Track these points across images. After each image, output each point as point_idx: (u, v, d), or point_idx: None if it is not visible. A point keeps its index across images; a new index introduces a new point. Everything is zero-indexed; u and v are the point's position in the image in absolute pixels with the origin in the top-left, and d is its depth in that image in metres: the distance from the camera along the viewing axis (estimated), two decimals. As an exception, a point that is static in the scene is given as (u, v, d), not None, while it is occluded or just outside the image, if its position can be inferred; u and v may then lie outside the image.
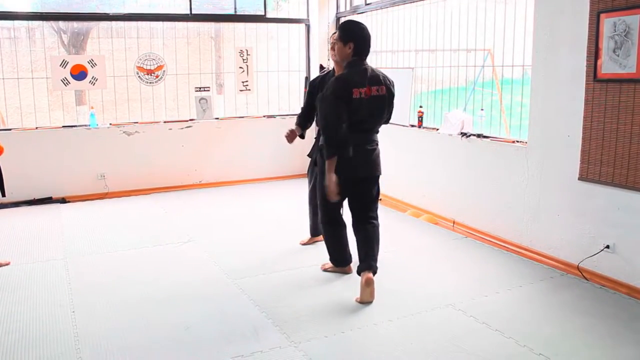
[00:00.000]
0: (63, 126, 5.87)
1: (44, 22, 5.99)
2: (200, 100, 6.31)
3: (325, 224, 3.57)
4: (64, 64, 5.63)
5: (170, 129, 6.17)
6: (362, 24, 3.33)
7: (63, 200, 5.70)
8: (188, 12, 6.18)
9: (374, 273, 3.25)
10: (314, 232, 4.20)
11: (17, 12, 5.63)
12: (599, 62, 3.34)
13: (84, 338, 2.81)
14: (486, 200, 4.38)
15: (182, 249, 4.20)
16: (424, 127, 5.19)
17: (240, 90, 6.53)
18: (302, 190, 5.01)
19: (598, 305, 3.13)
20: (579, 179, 3.56)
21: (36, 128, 5.73)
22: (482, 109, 4.60)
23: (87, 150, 5.81)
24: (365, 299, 3.19)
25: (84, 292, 3.38)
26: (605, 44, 3.28)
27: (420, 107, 5.25)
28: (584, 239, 3.57)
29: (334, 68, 3.70)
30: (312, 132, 4.34)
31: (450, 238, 4.42)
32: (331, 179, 3.17)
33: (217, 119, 6.46)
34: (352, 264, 3.64)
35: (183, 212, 5.27)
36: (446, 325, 2.91)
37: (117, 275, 3.68)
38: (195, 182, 6.35)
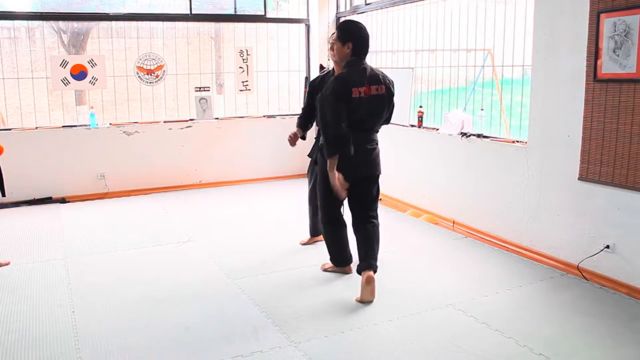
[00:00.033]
0: (63, 126, 5.87)
1: (44, 22, 5.99)
2: (200, 100, 6.31)
3: (325, 223, 3.57)
4: (64, 63, 5.63)
5: (170, 129, 6.17)
6: (360, 24, 3.34)
7: (63, 200, 5.70)
8: (188, 12, 6.18)
9: (375, 272, 3.25)
10: (314, 232, 4.20)
11: (17, 12, 5.63)
12: (599, 62, 3.34)
13: (83, 338, 2.80)
14: (486, 200, 4.38)
15: (182, 249, 4.20)
16: (424, 127, 5.19)
17: (240, 90, 6.53)
18: (302, 190, 5.01)
19: (598, 305, 3.13)
20: (579, 179, 3.56)
21: (36, 128, 5.73)
22: (482, 109, 4.60)
23: (87, 150, 5.81)
24: (366, 298, 3.19)
25: (84, 292, 3.38)
26: (605, 44, 3.28)
27: (420, 107, 5.25)
28: (584, 239, 3.57)
29: (333, 68, 3.70)
30: (312, 132, 4.34)
31: (450, 238, 4.42)
32: (334, 176, 3.17)
33: (217, 119, 6.46)
34: (352, 264, 3.64)
35: (183, 212, 5.27)
36: (446, 325, 2.91)
37: (117, 275, 3.68)
38: (195, 182, 6.35)
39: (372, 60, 5.89)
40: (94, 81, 5.75)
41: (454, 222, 4.74)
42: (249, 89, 6.54)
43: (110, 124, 6.02)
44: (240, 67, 6.44)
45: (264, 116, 6.70)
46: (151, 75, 6.04)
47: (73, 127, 5.86)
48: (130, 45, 6.07)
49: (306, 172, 4.28)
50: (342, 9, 6.55)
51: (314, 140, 4.05)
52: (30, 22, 5.83)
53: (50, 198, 5.69)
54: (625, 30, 3.15)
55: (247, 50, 6.45)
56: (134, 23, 6.09)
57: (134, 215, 5.18)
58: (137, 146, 6.01)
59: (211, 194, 6.03)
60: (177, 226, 4.78)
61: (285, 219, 4.94)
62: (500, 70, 4.70)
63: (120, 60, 6.04)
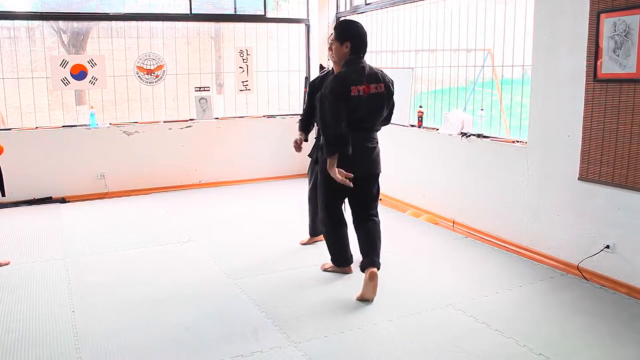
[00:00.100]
0: (63, 126, 5.87)
1: (44, 21, 5.99)
2: (200, 100, 6.31)
3: (326, 223, 3.57)
4: (63, 63, 5.63)
5: (170, 128, 6.17)
6: (358, 23, 3.35)
7: (63, 200, 5.70)
8: (188, 12, 6.17)
9: (378, 269, 3.26)
10: (313, 232, 4.20)
11: (17, 12, 5.63)
12: (599, 62, 3.34)
13: (83, 338, 2.80)
14: (486, 200, 4.38)
15: (182, 249, 4.20)
16: (424, 127, 5.19)
17: (240, 90, 6.52)
18: (302, 190, 5.00)
19: (598, 305, 3.13)
20: (579, 179, 3.56)
21: (36, 128, 5.73)
22: (482, 109, 4.60)
23: (87, 150, 5.81)
24: (367, 295, 3.19)
25: (84, 292, 3.38)
26: (605, 44, 3.28)
27: (420, 107, 5.25)
28: (584, 239, 3.57)
29: (333, 68, 3.70)
30: (312, 132, 4.34)
31: (450, 238, 4.42)
32: (335, 172, 3.16)
33: (217, 118, 6.46)
34: (352, 265, 3.65)
35: (183, 212, 5.26)
36: (446, 325, 2.91)
37: (117, 275, 3.67)
38: (195, 182, 6.35)
39: (372, 60, 5.89)
40: (94, 81, 5.75)
41: (454, 222, 4.74)
42: (249, 89, 6.54)
43: (110, 123, 6.01)
44: (240, 67, 6.44)
45: (264, 116, 6.70)
46: (151, 75, 6.04)
47: (73, 127, 5.86)
48: (130, 45, 6.07)
49: (306, 172, 4.28)
50: (342, 9, 6.55)
51: (314, 140, 4.05)
52: (30, 22, 5.83)
53: (50, 198, 5.69)
54: (625, 30, 3.15)
55: (247, 50, 6.45)
56: (134, 23, 6.09)
57: (134, 215, 5.18)
58: (137, 146, 6.01)
59: (211, 194, 6.03)
60: (177, 226, 4.78)
61: (285, 219, 4.94)
62: (500, 70, 4.70)
63: (120, 60, 6.04)
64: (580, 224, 3.59)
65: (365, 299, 3.20)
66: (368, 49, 3.39)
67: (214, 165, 6.41)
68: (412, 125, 5.31)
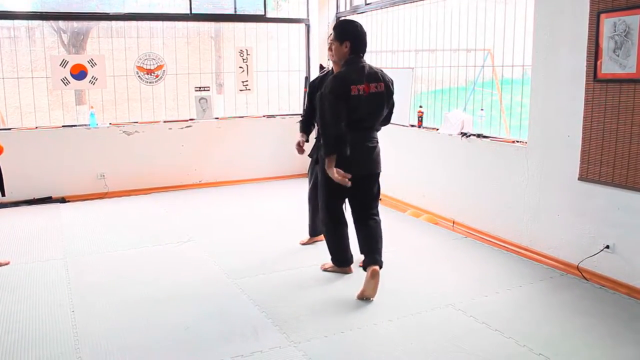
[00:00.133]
0: (63, 126, 5.87)
1: (44, 21, 5.99)
2: (200, 100, 6.31)
3: (327, 223, 3.57)
4: (63, 63, 5.63)
5: (170, 128, 6.17)
6: (357, 22, 3.36)
7: (63, 200, 5.70)
8: (188, 11, 6.17)
9: (380, 267, 3.26)
10: (313, 232, 4.20)
11: (17, 12, 5.63)
12: (599, 62, 3.34)
13: (83, 338, 2.80)
14: (486, 200, 4.38)
15: (182, 248, 4.20)
16: (424, 127, 5.19)
17: (240, 90, 6.52)
18: (302, 190, 5.00)
19: (598, 305, 3.13)
20: (579, 179, 3.56)
21: (36, 128, 5.73)
22: (482, 109, 4.60)
23: (87, 149, 5.81)
24: (368, 292, 3.20)
25: (84, 292, 3.38)
26: (605, 44, 3.28)
27: (420, 107, 5.25)
28: (584, 239, 3.57)
29: (332, 68, 3.70)
30: (313, 132, 4.34)
31: (450, 238, 4.42)
32: (333, 172, 3.16)
33: (217, 118, 6.46)
34: (352, 265, 3.65)
35: (183, 212, 5.26)
36: (446, 325, 2.91)
37: (117, 275, 3.67)
38: (195, 182, 6.35)
39: (372, 60, 5.89)
40: (94, 81, 5.75)
41: (454, 222, 4.74)
42: (249, 89, 6.54)
43: (110, 123, 6.02)
44: (240, 67, 6.44)
45: (264, 116, 6.70)
46: (151, 75, 6.04)
47: (73, 127, 5.86)
48: (130, 45, 6.07)
49: (306, 172, 4.28)
50: (342, 9, 6.55)
51: (315, 140, 4.05)
52: (30, 21, 5.83)
53: (50, 198, 5.69)
54: (625, 30, 3.15)
55: (247, 50, 6.45)
56: (134, 23, 6.09)
57: (134, 215, 5.18)
58: (137, 146, 6.01)
59: (211, 194, 6.03)
60: (177, 226, 4.78)
61: (285, 219, 4.94)
62: (500, 70, 4.70)
63: (120, 60, 6.04)
64: (580, 224, 3.60)
65: (365, 297, 3.20)
66: (368, 48, 3.39)
67: (214, 165, 6.41)
68: (412, 125, 5.31)
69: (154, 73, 6.04)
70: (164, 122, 6.20)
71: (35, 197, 5.63)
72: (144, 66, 6.00)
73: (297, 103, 6.91)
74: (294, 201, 5.46)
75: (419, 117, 5.20)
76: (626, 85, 3.20)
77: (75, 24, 7.02)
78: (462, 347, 2.67)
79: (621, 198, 3.31)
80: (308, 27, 6.84)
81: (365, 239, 3.36)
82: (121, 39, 6.12)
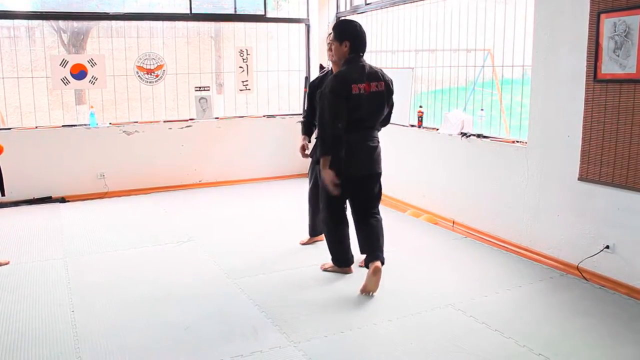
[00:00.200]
0: (63, 125, 5.87)
1: (44, 21, 5.99)
2: (200, 99, 6.31)
3: (328, 223, 3.57)
4: (63, 63, 5.63)
5: (170, 128, 6.17)
6: (356, 22, 3.37)
7: (63, 200, 5.70)
8: (188, 11, 6.18)
9: (382, 263, 3.27)
10: (313, 232, 4.20)
11: (17, 11, 5.63)
12: (599, 63, 3.34)
13: (83, 337, 2.80)
14: (486, 200, 4.38)
15: (182, 248, 4.20)
16: (424, 127, 5.19)
17: (240, 90, 6.52)
18: (302, 190, 5.00)
19: (598, 306, 3.13)
20: (579, 179, 3.56)
21: (36, 127, 5.73)
22: (482, 109, 4.60)
23: (87, 149, 5.81)
24: (369, 288, 3.21)
25: (84, 292, 3.38)
26: (606, 44, 3.28)
27: (420, 107, 5.24)
28: (584, 239, 3.57)
29: (332, 68, 3.70)
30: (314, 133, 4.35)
31: (450, 238, 4.42)
32: (327, 174, 3.17)
33: (217, 118, 6.46)
34: (352, 266, 3.65)
35: (183, 212, 5.26)
36: (446, 325, 2.91)
37: (117, 274, 3.67)
38: (195, 181, 6.34)
39: (372, 60, 5.88)
40: (94, 81, 5.75)
41: (453, 222, 4.74)
42: (249, 89, 6.54)
43: (110, 123, 6.01)
44: (240, 67, 6.44)
45: (264, 116, 6.70)
46: (151, 74, 6.04)
47: (73, 127, 5.85)
48: (130, 44, 6.07)
49: (306, 172, 4.28)
50: (342, 9, 6.55)
51: (315, 140, 4.05)
52: (30, 21, 5.82)
53: (49, 197, 5.69)
54: (626, 30, 3.15)
55: (247, 50, 6.44)
56: (134, 23, 6.09)
57: (133, 215, 5.18)
58: (137, 146, 6.01)
59: (211, 193, 6.03)
60: (177, 226, 4.78)
61: (285, 219, 4.94)
62: (500, 70, 4.70)
63: (120, 59, 6.04)
64: (580, 224, 3.60)
65: (367, 291, 3.22)
66: (368, 48, 3.39)
67: (214, 165, 6.41)
68: (412, 125, 5.31)
69: (154, 73, 6.04)
70: (164, 122, 6.20)
71: (35, 197, 5.63)
72: (144, 66, 6.00)
73: (297, 103, 6.91)
74: (294, 201, 5.46)
75: (419, 117, 5.20)
76: (626, 86, 3.20)
77: (75, 24, 7.01)
78: (462, 347, 2.67)
79: (621, 198, 3.31)
80: (308, 27, 6.84)
81: (367, 237, 3.36)
82: (121, 39, 6.12)
